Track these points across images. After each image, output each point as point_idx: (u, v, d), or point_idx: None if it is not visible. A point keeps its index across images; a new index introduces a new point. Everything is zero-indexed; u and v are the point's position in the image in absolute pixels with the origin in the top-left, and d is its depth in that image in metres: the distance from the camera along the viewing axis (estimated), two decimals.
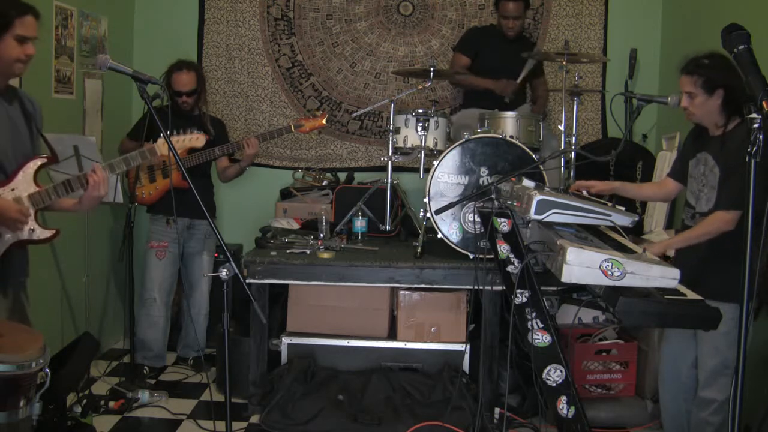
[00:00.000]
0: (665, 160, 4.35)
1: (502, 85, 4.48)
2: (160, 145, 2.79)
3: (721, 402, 2.81)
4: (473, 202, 3.37)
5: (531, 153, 3.70)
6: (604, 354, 3.86)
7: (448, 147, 3.75)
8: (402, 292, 3.91)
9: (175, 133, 2.86)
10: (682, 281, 2.27)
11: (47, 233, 2.69)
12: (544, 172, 3.57)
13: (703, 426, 2.87)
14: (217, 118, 4.52)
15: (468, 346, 3.82)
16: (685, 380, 3.04)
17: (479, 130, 3.92)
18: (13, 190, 2.61)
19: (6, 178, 2.62)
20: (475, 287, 3.66)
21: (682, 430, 3.07)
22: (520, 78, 4.46)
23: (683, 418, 3.06)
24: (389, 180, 4.13)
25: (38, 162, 2.66)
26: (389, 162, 4.10)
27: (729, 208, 2.71)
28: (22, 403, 2.23)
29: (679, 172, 3.08)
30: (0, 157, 2.60)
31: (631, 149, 4.66)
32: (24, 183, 2.62)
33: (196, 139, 2.95)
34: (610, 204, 2.83)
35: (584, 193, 3.11)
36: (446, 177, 3.71)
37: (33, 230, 2.64)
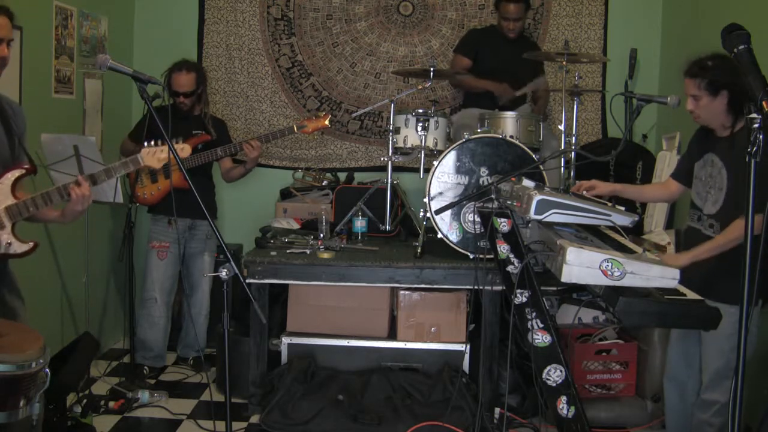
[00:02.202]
0: (665, 160, 4.35)
1: (501, 89, 4.48)
2: (144, 156, 2.70)
3: (723, 404, 2.80)
4: (473, 202, 3.37)
5: (531, 153, 3.70)
6: (604, 354, 3.86)
7: (448, 147, 3.75)
8: (402, 292, 3.91)
9: (162, 142, 2.81)
10: (687, 283, 2.27)
11: (24, 247, 2.57)
12: (544, 172, 3.57)
13: (704, 427, 2.86)
14: (219, 118, 4.52)
15: (468, 346, 3.82)
16: (692, 381, 3.03)
17: (479, 130, 3.92)
18: None
19: None
20: (475, 287, 3.66)
21: (687, 430, 3.07)
22: (520, 92, 4.46)
23: (689, 419, 3.06)
24: (389, 180, 4.12)
25: (16, 173, 2.54)
26: (389, 162, 4.10)
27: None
28: (22, 403, 2.22)
29: (682, 173, 3.06)
30: None
31: (631, 149, 4.66)
32: (0, 195, 2.51)
33: (180, 149, 2.90)
34: (610, 204, 2.82)
35: (585, 193, 3.10)
36: (446, 177, 3.71)
37: (10, 244, 2.52)
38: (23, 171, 2.57)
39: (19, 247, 2.55)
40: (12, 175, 2.54)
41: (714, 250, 2.74)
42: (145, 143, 2.81)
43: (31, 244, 2.59)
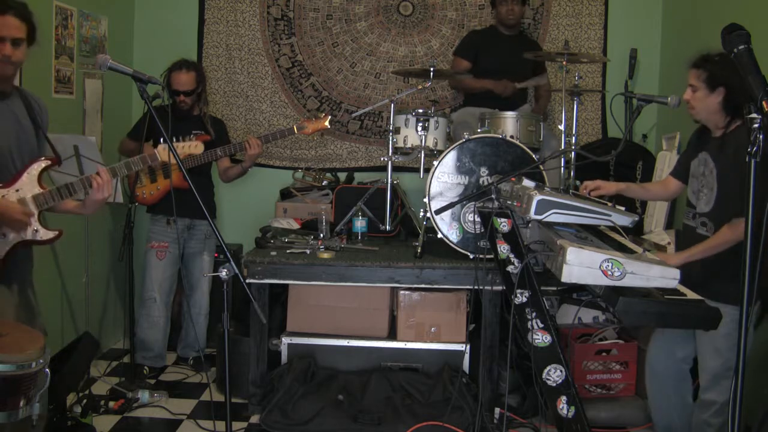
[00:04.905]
0: (665, 160, 4.36)
1: (502, 86, 4.48)
2: (161, 152, 2.87)
3: (722, 404, 2.80)
4: (473, 202, 3.37)
5: (531, 153, 3.70)
6: (604, 354, 3.86)
7: (448, 147, 3.75)
8: (402, 292, 3.91)
9: (175, 139, 2.90)
10: (686, 283, 2.27)
11: (50, 234, 2.72)
12: (544, 172, 3.57)
13: (704, 428, 2.87)
14: (218, 118, 4.51)
15: (468, 346, 3.82)
16: (674, 375, 3.04)
17: (479, 130, 3.92)
18: (17, 191, 2.63)
19: (11, 178, 2.63)
20: (475, 287, 3.66)
21: (674, 425, 3.07)
22: (521, 85, 4.46)
23: (673, 414, 3.07)
24: (389, 180, 4.12)
25: (42, 164, 2.69)
26: (389, 162, 4.10)
27: (740, 216, 2.69)
28: (22, 403, 2.23)
29: (681, 171, 3.09)
30: (4, 156, 2.62)
31: (631, 149, 4.66)
32: (28, 184, 2.65)
33: (194, 146, 3.00)
34: (610, 204, 2.83)
35: (587, 193, 3.11)
36: (446, 177, 3.71)
37: (36, 231, 2.68)
38: (49, 162, 2.71)
39: (45, 234, 2.71)
40: (38, 166, 2.69)
41: (706, 251, 2.76)
42: (155, 141, 2.87)
43: (57, 231, 2.74)
